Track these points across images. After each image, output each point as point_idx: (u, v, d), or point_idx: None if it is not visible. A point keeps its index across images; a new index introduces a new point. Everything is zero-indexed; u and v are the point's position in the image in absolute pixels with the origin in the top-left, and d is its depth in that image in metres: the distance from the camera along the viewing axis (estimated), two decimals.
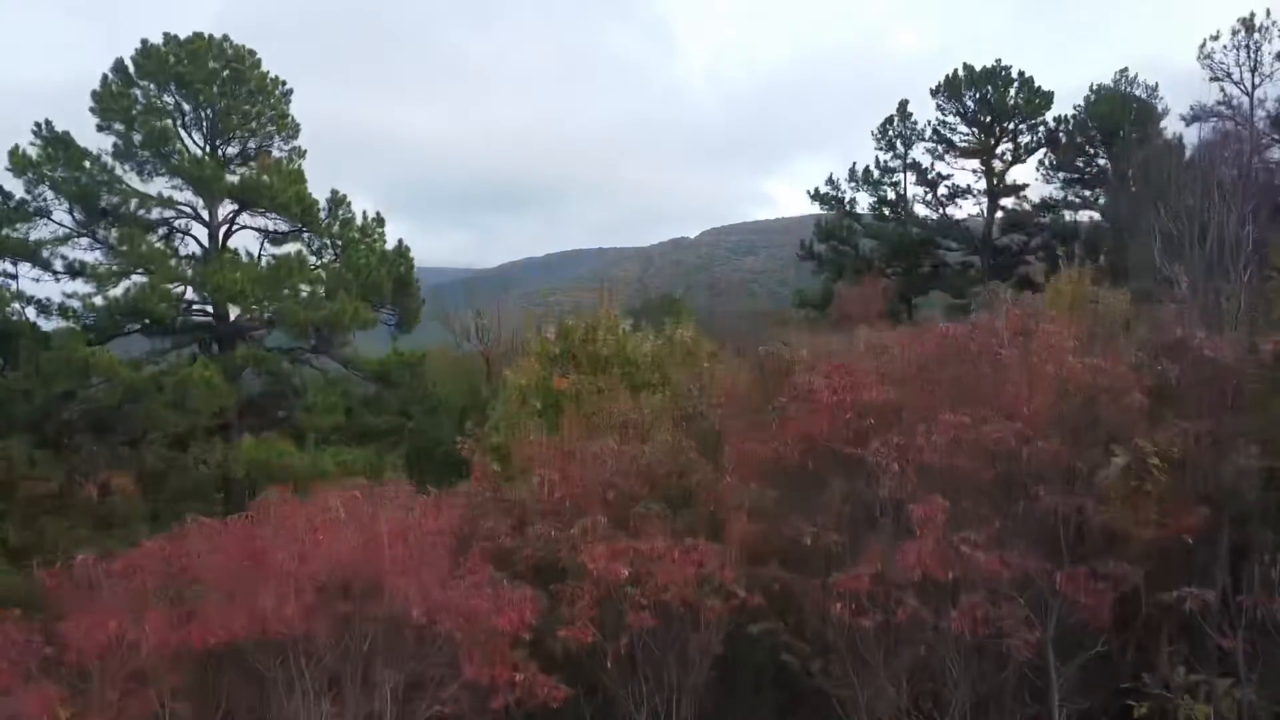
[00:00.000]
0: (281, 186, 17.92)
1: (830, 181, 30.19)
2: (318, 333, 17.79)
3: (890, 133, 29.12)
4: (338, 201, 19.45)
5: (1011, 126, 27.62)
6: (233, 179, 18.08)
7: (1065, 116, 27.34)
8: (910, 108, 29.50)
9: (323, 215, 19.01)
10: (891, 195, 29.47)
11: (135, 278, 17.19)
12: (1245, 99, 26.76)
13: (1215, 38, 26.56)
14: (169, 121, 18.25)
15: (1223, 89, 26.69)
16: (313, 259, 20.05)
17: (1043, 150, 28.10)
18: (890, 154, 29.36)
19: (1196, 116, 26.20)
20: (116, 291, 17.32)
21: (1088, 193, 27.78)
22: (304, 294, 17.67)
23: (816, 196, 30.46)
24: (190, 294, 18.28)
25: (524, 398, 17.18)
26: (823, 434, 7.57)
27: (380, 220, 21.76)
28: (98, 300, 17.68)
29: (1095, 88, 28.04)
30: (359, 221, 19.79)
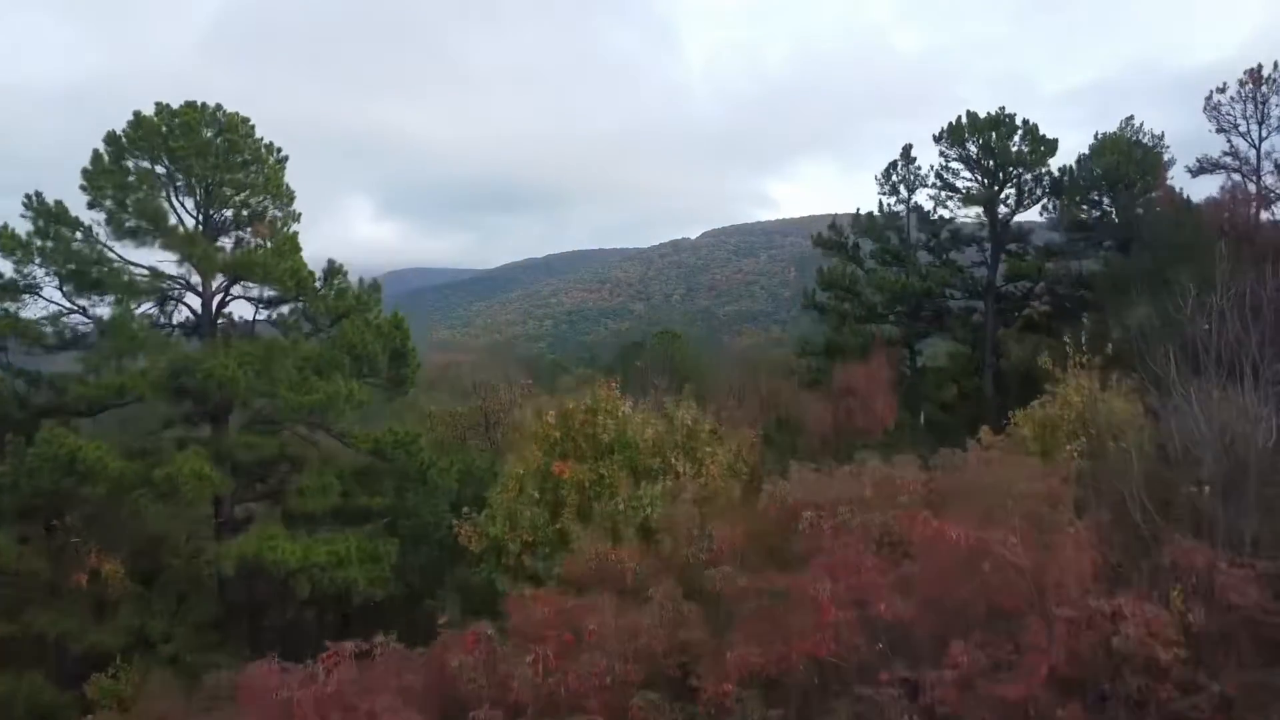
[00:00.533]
0: (275, 261, 17.61)
1: (833, 227, 29.93)
2: (311, 413, 17.48)
3: (894, 177, 28.86)
4: (333, 271, 19.14)
5: (1015, 174, 27.30)
6: (226, 254, 17.78)
7: (1069, 166, 27.06)
8: (914, 151, 29.30)
9: (318, 285, 18.70)
10: (895, 240, 29.17)
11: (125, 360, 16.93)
12: (1252, 151, 26.48)
13: (1222, 90, 26.25)
14: (161, 196, 17.97)
15: (1229, 141, 26.38)
16: (307, 325, 19.77)
17: (1047, 198, 27.80)
18: (894, 198, 29.12)
19: (1203, 169, 25.92)
20: (107, 371, 17.06)
21: (1094, 241, 27.47)
22: (297, 373, 17.32)
23: (819, 242, 30.20)
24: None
25: (521, 486, 16.88)
26: (829, 651, 7.25)
27: (376, 287, 21.48)
28: (89, 378, 17.45)
29: (1100, 136, 27.76)
30: (354, 289, 19.48)
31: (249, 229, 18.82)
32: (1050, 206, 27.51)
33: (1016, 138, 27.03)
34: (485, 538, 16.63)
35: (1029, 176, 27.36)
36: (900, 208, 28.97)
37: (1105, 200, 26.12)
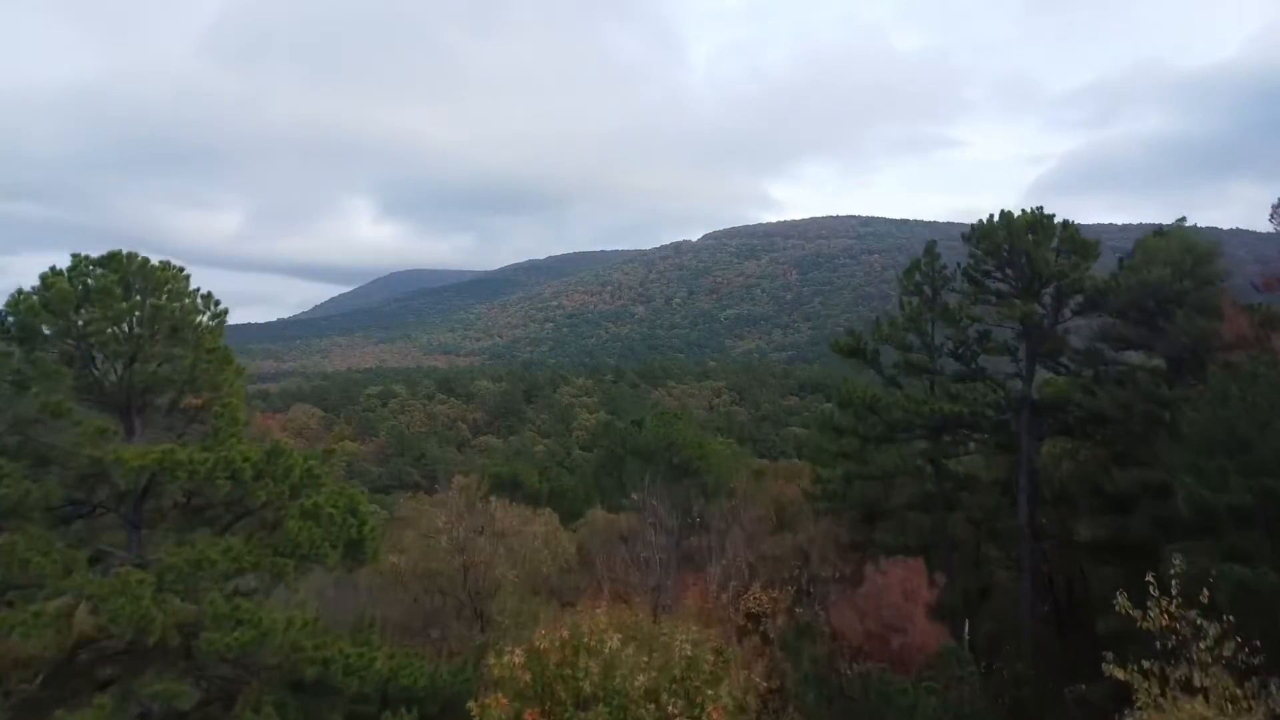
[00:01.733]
0: (201, 459, 14.89)
1: (851, 333, 27.16)
2: (243, 650, 14.75)
3: (918, 277, 26.09)
4: (276, 452, 16.37)
5: (1052, 279, 24.57)
6: (145, 456, 15.02)
7: (1114, 275, 24.30)
8: (939, 249, 26.61)
9: (257, 475, 15.94)
10: (918, 343, 26.43)
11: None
12: None
13: None
14: (66, 387, 15.26)
15: None
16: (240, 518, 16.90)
17: (1087, 308, 25.09)
18: (917, 299, 26.31)
19: (1270, 285, 23.27)
20: None
21: (1138, 355, 24.76)
22: (225, 602, 14.60)
23: (838, 348, 27.42)
24: None
25: None
26: None
27: (330, 453, 18.86)
28: None
29: (1149, 236, 25.00)
30: (301, 464, 16.64)
31: (180, 410, 16.14)
32: (1092, 320, 24.80)
33: (1054, 241, 24.33)
34: None
35: (1067, 282, 24.60)
36: (924, 312, 26.20)
37: (1157, 316, 23.31)
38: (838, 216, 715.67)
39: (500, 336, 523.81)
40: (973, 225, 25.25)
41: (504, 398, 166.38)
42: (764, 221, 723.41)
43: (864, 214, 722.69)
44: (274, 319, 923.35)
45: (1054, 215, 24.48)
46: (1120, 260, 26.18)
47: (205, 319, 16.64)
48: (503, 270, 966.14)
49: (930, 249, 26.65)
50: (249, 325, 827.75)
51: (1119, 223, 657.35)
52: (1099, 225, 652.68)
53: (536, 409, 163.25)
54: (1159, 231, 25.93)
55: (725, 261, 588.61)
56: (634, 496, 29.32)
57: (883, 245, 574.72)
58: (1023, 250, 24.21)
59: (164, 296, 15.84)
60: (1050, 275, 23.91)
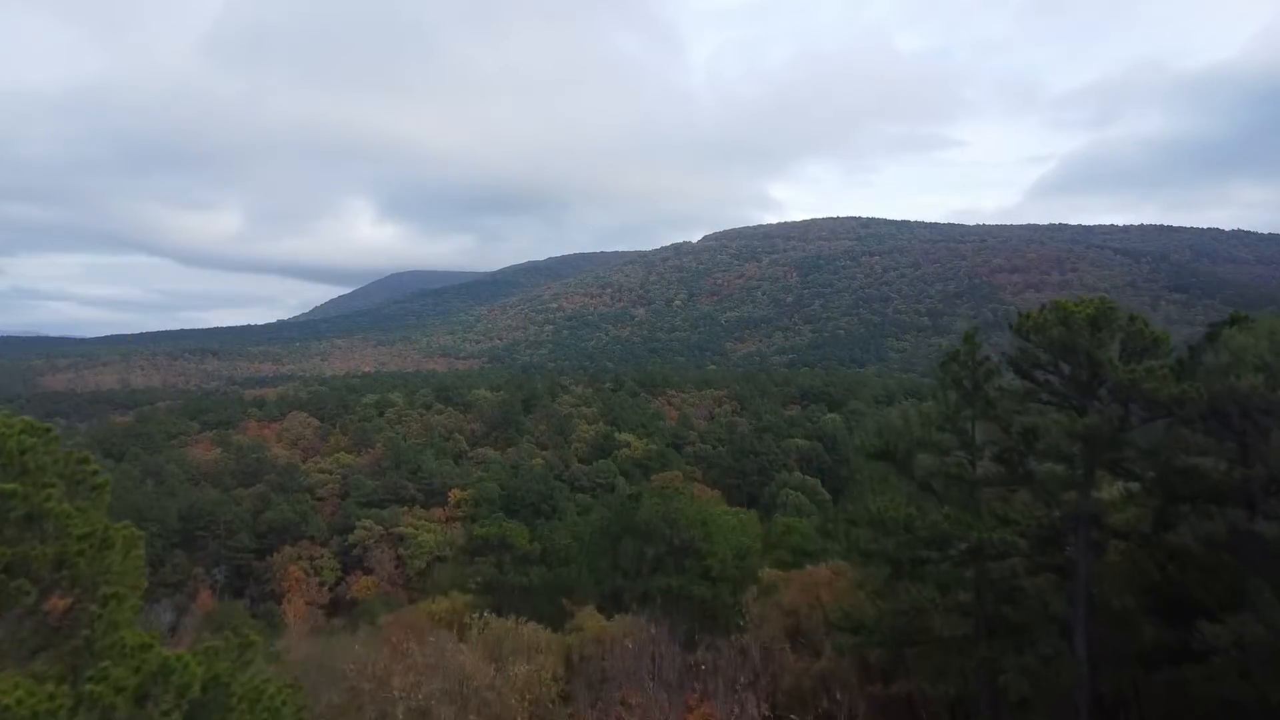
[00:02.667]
0: (52, 704, 11.30)
1: (880, 434, 23.66)
2: None
3: (956, 369, 22.46)
4: (166, 669, 12.67)
5: (1116, 383, 20.97)
6: None
7: (1186, 370, 20.74)
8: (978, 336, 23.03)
9: (139, 700, 12.27)
10: (956, 443, 22.83)
11: None
12: None
13: None
14: None
15: None
16: None
17: (1158, 412, 21.48)
18: (955, 393, 22.71)
19: None
20: None
21: (1214, 463, 21.19)
22: None
23: (867, 451, 23.89)
24: None
25: None
26: None
27: (248, 644, 15.28)
28: None
29: (1229, 329, 21.39)
30: (198, 685, 12.81)
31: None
32: (1163, 428, 21.21)
33: (1117, 337, 20.77)
34: None
35: (1131, 381, 20.98)
36: (964, 409, 22.57)
37: (1245, 431, 19.72)
38: (838, 218, 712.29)
39: (499, 339, 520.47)
40: (1021, 315, 21.70)
41: (502, 407, 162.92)
42: (764, 223, 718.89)
43: (864, 215, 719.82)
44: (274, 320, 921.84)
45: (1116, 307, 20.88)
46: (1190, 351, 22.60)
47: (80, 490, 13.10)
48: (502, 271, 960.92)
49: (970, 338, 23.05)
50: (249, 327, 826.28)
51: (1120, 223, 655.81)
52: (1100, 226, 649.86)
53: (535, 419, 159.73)
54: (1237, 319, 22.34)
55: (725, 263, 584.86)
56: (632, 609, 25.84)
57: (883, 247, 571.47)
58: (1082, 349, 20.65)
59: (16, 472, 12.27)
60: (1114, 379, 20.36)
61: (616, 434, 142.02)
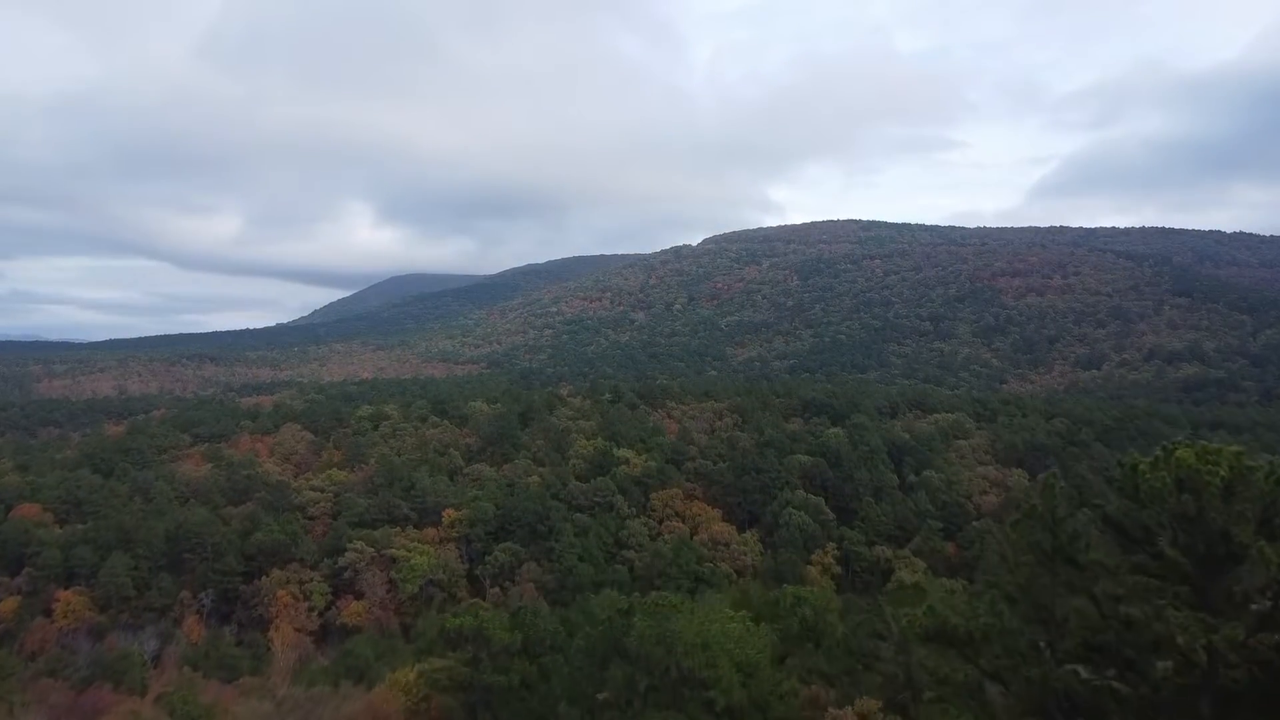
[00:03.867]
0: None
1: (932, 612, 19.80)
2: None
3: (1034, 529, 18.85)
4: None
5: (1243, 558, 17.51)
6: None
7: None
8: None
9: None
10: (1035, 627, 19.26)
11: None
12: None
13: None
14: None
15: None
16: None
17: None
18: (1032, 559, 19.13)
19: None
20: None
21: None
22: None
23: (913, 629, 19.84)
24: None
25: None
26: None
27: None
28: None
29: None
30: None
31: None
32: None
33: (1259, 505, 17.24)
34: None
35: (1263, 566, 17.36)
36: None
37: None
38: (838, 220, 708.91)
39: (498, 344, 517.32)
40: (1121, 462, 18.16)
41: (499, 422, 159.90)
42: (764, 226, 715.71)
43: (865, 218, 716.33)
44: (273, 324, 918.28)
45: (1253, 466, 17.26)
46: None
47: None
48: (502, 275, 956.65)
49: (1050, 485, 19.42)
50: (247, 331, 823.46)
51: (1121, 225, 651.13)
52: (1100, 228, 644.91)
53: (532, 434, 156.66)
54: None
55: (725, 266, 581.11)
56: None
57: (884, 250, 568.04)
58: (1215, 525, 17.15)
59: None
60: (1262, 575, 16.85)
61: (615, 449, 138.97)
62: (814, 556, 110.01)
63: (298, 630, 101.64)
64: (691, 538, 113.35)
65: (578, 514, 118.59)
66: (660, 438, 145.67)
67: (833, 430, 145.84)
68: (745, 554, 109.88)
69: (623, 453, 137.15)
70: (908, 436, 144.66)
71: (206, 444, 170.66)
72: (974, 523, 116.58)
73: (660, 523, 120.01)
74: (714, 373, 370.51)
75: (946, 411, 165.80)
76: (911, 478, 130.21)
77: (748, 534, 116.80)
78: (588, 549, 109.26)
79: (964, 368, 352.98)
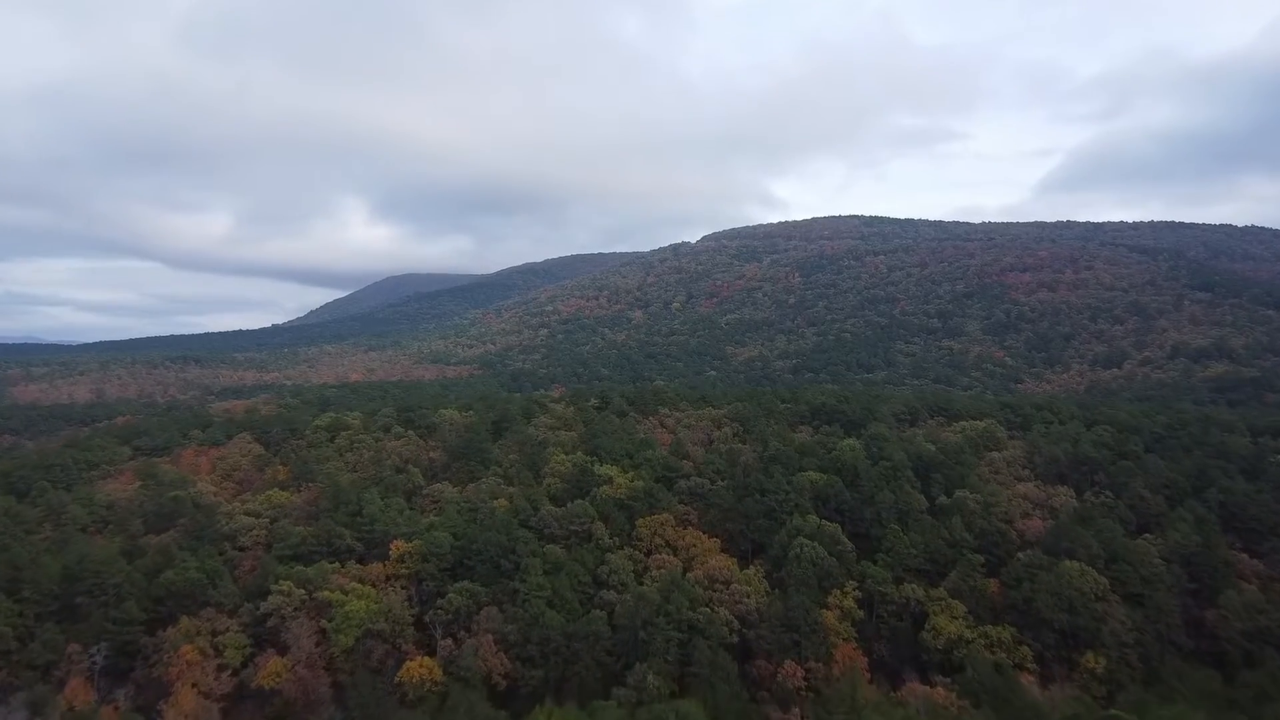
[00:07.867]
0: None
1: None
2: None
3: None
4: None
5: None
6: None
7: None
8: None
9: None
10: None
11: None
12: None
13: None
14: None
15: None
16: None
17: None
18: None
19: None
20: None
21: None
22: None
23: None
24: None
25: None
26: None
27: None
28: None
29: None
30: None
31: None
32: None
33: None
34: None
35: None
36: None
37: None
38: (840, 216, 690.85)
39: (492, 344, 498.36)
40: None
41: (468, 433, 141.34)
42: (765, 222, 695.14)
43: (868, 213, 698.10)
44: (268, 325, 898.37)
45: None
46: None
47: None
48: (499, 274, 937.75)
49: None
50: (241, 332, 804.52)
51: (1129, 220, 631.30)
52: (1108, 222, 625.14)
53: (504, 447, 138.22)
54: None
55: (725, 264, 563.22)
56: None
57: (888, 246, 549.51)
58: None
59: None
60: None
61: (596, 466, 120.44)
62: (830, 598, 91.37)
63: (204, 695, 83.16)
64: (685, 575, 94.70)
65: (550, 545, 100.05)
66: (650, 451, 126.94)
67: (847, 442, 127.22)
68: (749, 595, 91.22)
69: (605, 470, 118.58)
70: (933, 449, 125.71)
71: (144, 458, 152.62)
72: (1019, 555, 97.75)
73: (648, 555, 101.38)
74: (713, 373, 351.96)
75: (974, 419, 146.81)
76: (942, 499, 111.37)
77: (751, 569, 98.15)
78: (559, 591, 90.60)
79: (976, 366, 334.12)
